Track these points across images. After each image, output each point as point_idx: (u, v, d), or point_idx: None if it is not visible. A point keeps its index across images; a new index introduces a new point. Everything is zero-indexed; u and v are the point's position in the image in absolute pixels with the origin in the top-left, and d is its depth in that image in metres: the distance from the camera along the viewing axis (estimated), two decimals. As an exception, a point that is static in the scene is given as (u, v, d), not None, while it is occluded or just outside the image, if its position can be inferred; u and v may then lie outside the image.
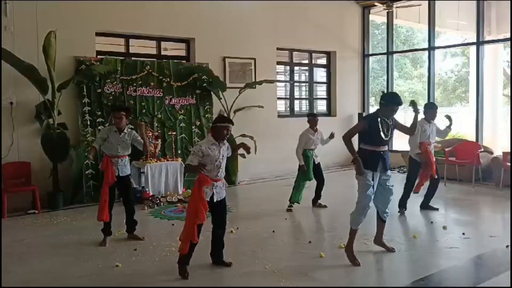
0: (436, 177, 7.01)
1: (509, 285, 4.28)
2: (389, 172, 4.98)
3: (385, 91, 5.32)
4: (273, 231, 6.07)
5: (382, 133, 4.78)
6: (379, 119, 4.81)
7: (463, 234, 5.83)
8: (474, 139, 10.14)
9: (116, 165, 5.64)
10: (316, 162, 7.35)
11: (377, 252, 5.21)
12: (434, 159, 6.99)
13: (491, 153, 9.53)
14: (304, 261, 4.96)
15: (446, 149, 9.59)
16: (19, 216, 7.03)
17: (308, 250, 5.29)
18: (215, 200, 4.61)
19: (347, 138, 4.88)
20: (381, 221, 5.19)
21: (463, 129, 13.10)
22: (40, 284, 4.42)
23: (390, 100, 4.83)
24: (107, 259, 5.02)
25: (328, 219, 7.00)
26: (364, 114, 12.01)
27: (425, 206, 7.18)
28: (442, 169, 9.27)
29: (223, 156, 4.60)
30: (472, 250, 5.35)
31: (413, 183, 7.05)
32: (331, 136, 7.27)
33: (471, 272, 4.86)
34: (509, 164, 8.53)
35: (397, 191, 7.16)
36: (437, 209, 7.15)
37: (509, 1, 9.23)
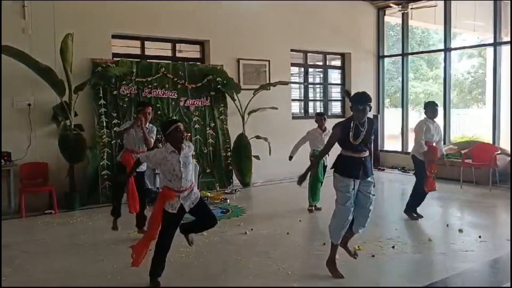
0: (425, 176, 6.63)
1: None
2: (370, 179, 4.50)
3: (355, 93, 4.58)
4: (287, 233, 6.08)
5: (352, 138, 4.35)
6: (352, 124, 4.39)
7: (480, 237, 5.77)
8: (490, 141, 10.02)
9: None
10: (325, 164, 7.13)
11: (391, 254, 5.18)
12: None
13: (508, 155, 9.41)
14: (318, 263, 4.93)
15: (463, 152, 9.49)
16: (36, 216, 7.12)
17: (322, 252, 5.26)
18: (187, 210, 4.33)
19: (320, 157, 5.08)
20: (351, 231, 4.66)
21: (480, 131, 12.94)
22: (55, 284, 4.47)
23: (354, 99, 4.37)
24: (122, 259, 5.06)
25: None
26: (378, 116, 11.95)
27: (408, 210, 6.81)
28: (458, 172, 9.20)
29: (184, 163, 4.25)
30: (488, 253, 5.28)
31: (422, 183, 6.67)
32: None
33: (487, 275, 4.82)
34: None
35: (408, 191, 7.14)
36: (421, 217, 6.73)
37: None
